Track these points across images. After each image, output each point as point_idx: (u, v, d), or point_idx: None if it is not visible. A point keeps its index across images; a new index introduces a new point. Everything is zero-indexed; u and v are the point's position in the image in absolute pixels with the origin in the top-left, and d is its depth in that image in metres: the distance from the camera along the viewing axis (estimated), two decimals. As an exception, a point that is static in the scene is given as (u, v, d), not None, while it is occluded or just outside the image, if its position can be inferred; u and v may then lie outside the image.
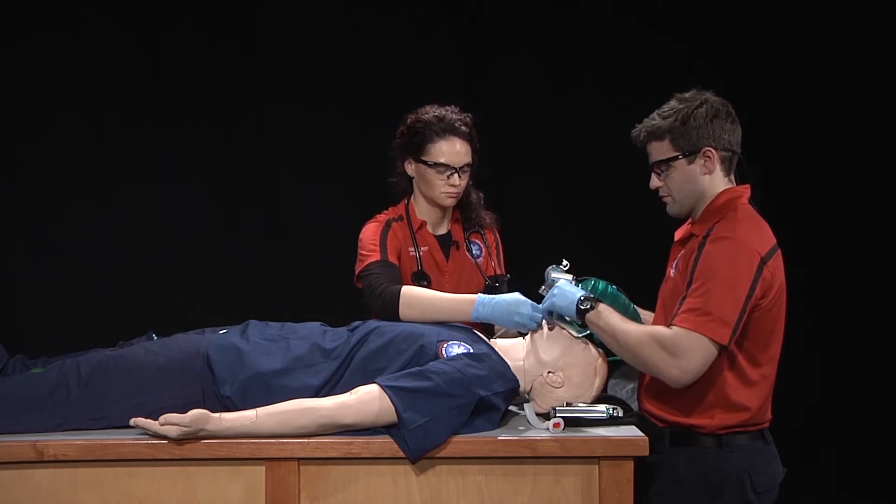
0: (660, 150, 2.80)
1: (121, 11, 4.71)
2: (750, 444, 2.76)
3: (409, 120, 3.36)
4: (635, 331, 2.71)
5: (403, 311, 3.00)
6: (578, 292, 2.80)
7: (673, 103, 2.81)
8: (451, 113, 3.32)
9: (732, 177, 2.82)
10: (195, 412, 2.56)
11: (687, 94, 2.81)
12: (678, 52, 4.82)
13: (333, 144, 4.86)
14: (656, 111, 2.82)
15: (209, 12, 4.78)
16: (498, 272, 3.46)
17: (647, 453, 2.61)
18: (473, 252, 3.45)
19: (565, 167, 4.91)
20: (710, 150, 2.76)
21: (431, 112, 3.32)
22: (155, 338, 2.91)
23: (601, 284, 2.90)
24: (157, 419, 2.56)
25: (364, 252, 3.24)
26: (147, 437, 2.58)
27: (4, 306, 4.68)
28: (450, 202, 3.34)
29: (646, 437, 2.61)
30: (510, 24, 4.91)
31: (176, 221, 4.79)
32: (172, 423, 2.55)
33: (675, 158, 2.78)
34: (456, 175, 3.29)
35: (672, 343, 2.64)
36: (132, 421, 2.59)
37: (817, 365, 4.88)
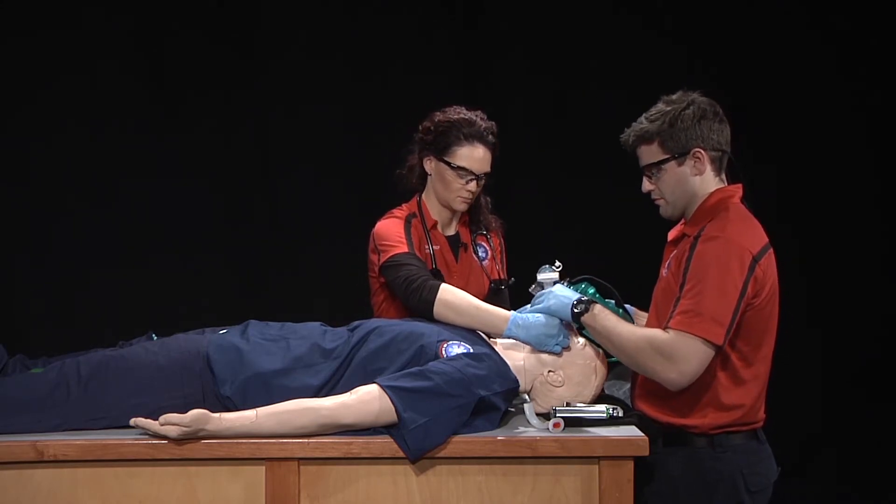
0: (649, 154, 2.79)
1: (121, 12, 4.72)
2: (743, 443, 2.75)
3: (436, 118, 3.32)
4: (630, 334, 2.71)
5: (438, 309, 3.00)
6: (573, 295, 2.81)
7: (660, 106, 2.79)
8: (479, 119, 3.29)
9: (724, 176, 2.81)
10: (195, 412, 2.55)
11: (674, 96, 2.80)
12: (678, 52, 4.82)
13: (333, 144, 4.86)
14: (644, 115, 2.81)
15: (209, 12, 4.79)
16: (502, 276, 3.47)
17: (647, 453, 2.61)
18: (479, 254, 3.45)
19: (565, 167, 4.91)
20: (699, 151, 2.75)
21: (460, 114, 3.29)
22: (155, 338, 2.90)
23: (591, 290, 2.90)
24: (157, 419, 2.56)
25: (388, 243, 3.22)
26: (147, 437, 2.58)
27: (4, 306, 4.69)
28: (463, 207, 3.34)
29: (646, 437, 2.61)
30: (510, 23, 4.91)
31: (176, 221, 4.79)
32: (172, 423, 2.54)
33: (666, 161, 2.77)
34: (475, 181, 3.29)
35: (669, 347, 2.63)
36: (132, 421, 2.59)
37: (817, 364, 4.88)
